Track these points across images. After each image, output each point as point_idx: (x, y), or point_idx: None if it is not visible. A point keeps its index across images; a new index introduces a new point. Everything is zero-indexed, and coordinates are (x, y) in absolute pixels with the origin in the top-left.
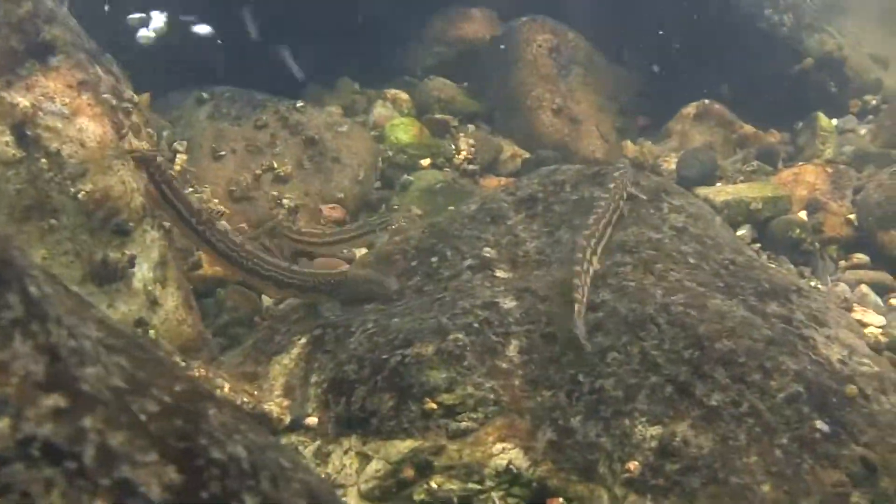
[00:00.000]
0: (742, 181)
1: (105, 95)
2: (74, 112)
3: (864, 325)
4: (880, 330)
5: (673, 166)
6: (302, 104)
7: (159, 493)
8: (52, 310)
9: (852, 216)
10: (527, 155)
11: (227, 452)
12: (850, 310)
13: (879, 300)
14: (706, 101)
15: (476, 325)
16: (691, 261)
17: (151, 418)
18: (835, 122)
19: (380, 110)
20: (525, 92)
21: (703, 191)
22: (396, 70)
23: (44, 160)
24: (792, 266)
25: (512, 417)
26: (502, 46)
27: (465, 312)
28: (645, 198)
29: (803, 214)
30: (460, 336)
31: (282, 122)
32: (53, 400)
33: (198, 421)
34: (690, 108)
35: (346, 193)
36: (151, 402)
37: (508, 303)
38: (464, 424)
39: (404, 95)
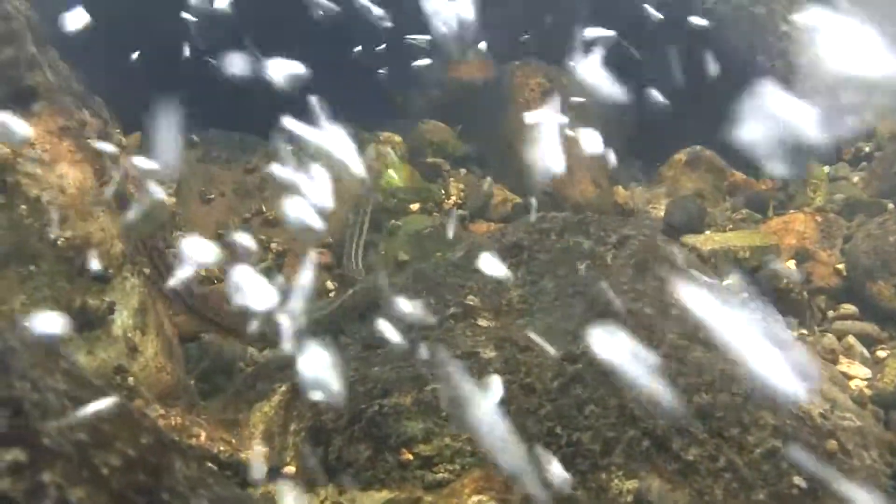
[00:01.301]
0: (731, 229)
1: (88, 140)
2: (55, 158)
3: (850, 377)
4: (866, 382)
5: (662, 213)
6: (293, 148)
7: None
8: (16, 362)
9: (841, 266)
10: (518, 200)
11: None
12: (836, 361)
13: (866, 352)
14: (697, 148)
15: None
16: (673, 312)
17: (113, 472)
18: (827, 169)
19: (372, 153)
20: (517, 136)
21: (690, 239)
22: (391, 112)
23: (23, 206)
24: (779, 316)
25: (488, 469)
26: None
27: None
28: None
29: (792, 264)
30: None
31: None
32: (13, 454)
33: (161, 475)
34: (682, 155)
35: (334, 238)
36: (115, 455)
37: (489, 353)
38: (440, 475)
39: (397, 138)
